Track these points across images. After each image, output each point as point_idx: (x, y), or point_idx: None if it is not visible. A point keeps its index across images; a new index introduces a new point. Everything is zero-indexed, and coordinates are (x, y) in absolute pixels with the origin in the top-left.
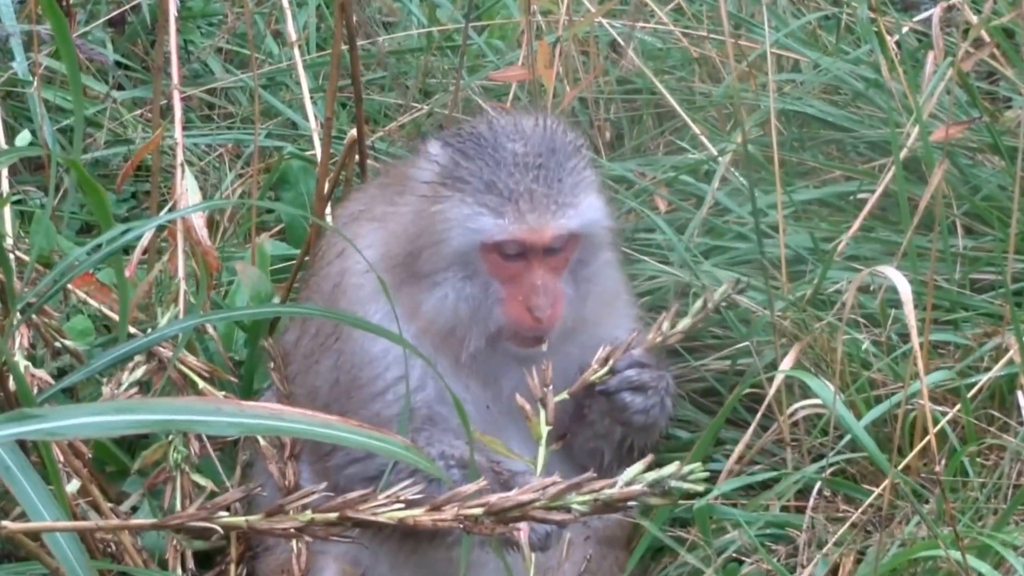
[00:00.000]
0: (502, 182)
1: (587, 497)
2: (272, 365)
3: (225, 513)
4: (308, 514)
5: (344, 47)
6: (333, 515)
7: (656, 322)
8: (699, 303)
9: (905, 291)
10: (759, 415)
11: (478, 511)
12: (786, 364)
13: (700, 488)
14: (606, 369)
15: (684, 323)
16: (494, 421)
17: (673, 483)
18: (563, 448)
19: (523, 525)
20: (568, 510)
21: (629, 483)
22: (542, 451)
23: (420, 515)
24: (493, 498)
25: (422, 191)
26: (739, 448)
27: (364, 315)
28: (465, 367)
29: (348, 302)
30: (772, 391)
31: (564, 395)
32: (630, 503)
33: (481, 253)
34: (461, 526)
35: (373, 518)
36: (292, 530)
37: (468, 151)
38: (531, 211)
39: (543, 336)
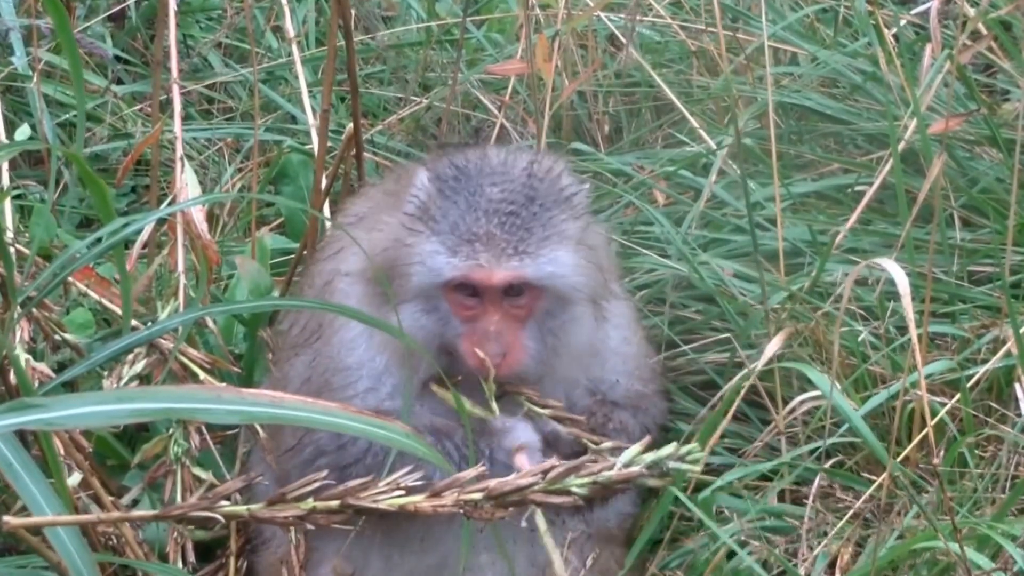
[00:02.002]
0: (465, 225)
1: (586, 480)
2: (271, 356)
3: (226, 502)
4: (310, 502)
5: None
6: (334, 503)
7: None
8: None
9: (903, 283)
10: (732, 402)
11: (478, 495)
12: (774, 345)
13: (698, 469)
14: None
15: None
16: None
17: (671, 464)
18: None
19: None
20: (568, 493)
21: (627, 464)
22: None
23: (420, 501)
24: (492, 483)
25: (403, 220)
26: (717, 434)
27: (345, 322)
28: (429, 392)
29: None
30: (752, 371)
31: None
32: (628, 485)
33: (443, 291)
34: (461, 511)
35: (374, 505)
36: (293, 518)
37: (446, 190)
38: (484, 252)
39: (503, 381)
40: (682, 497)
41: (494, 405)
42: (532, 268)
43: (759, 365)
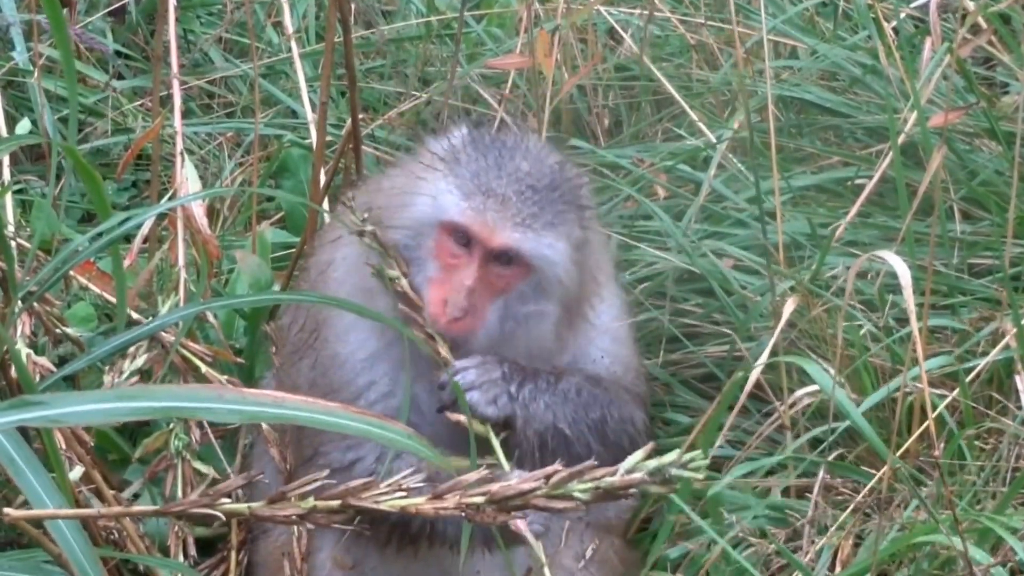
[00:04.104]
0: (487, 178)
1: (588, 485)
2: (274, 349)
3: (227, 500)
4: (310, 501)
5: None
6: (335, 503)
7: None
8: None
9: (904, 276)
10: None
11: (480, 499)
12: (778, 330)
13: (701, 476)
14: None
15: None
16: (440, 422)
17: (674, 471)
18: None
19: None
20: (570, 498)
21: (630, 471)
22: (503, 459)
23: (422, 503)
24: (495, 486)
25: (425, 156)
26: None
27: (339, 313)
28: (415, 373)
29: (329, 295)
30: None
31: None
32: (631, 491)
33: (435, 229)
34: (463, 514)
35: (375, 506)
36: (295, 517)
37: (480, 145)
38: (495, 210)
39: (455, 339)
40: (687, 511)
41: (449, 356)
42: (533, 244)
43: (764, 358)
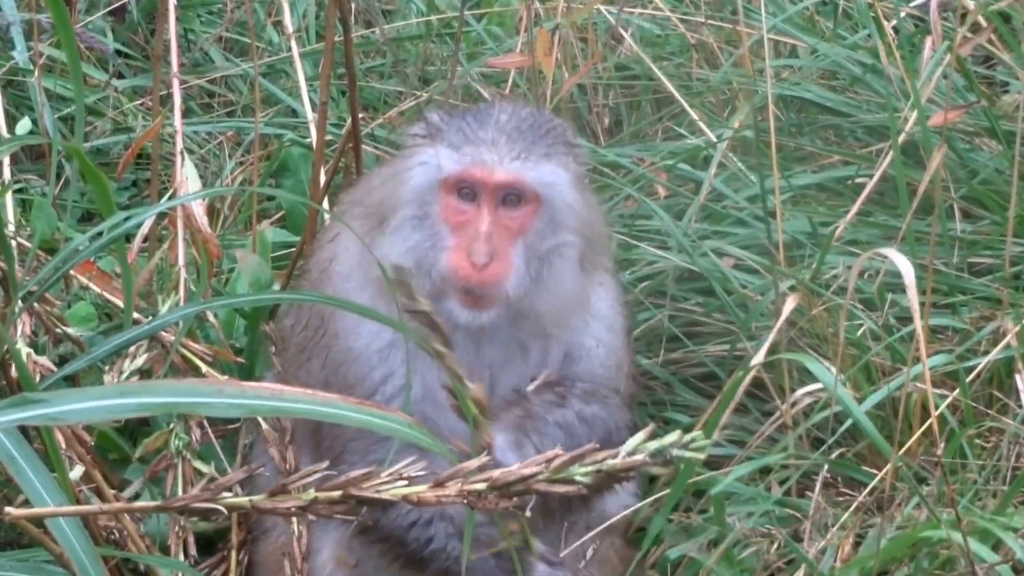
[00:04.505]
0: (472, 131)
1: (590, 468)
2: (274, 349)
3: (228, 494)
4: (311, 493)
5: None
6: (336, 493)
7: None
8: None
9: (908, 274)
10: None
11: (481, 486)
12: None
13: (702, 457)
14: None
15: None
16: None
17: (675, 452)
18: None
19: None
20: (572, 482)
21: (631, 453)
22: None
23: (423, 491)
24: (496, 472)
25: (407, 144)
26: (708, 413)
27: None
28: (431, 362)
29: (334, 290)
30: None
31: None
32: (632, 473)
33: (438, 194)
34: (465, 501)
35: (377, 495)
36: (295, 509)
37: (455, 113)
38: (488, 151)
39: (485, 295)
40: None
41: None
42: (533, 173)
43: (762, 355)
